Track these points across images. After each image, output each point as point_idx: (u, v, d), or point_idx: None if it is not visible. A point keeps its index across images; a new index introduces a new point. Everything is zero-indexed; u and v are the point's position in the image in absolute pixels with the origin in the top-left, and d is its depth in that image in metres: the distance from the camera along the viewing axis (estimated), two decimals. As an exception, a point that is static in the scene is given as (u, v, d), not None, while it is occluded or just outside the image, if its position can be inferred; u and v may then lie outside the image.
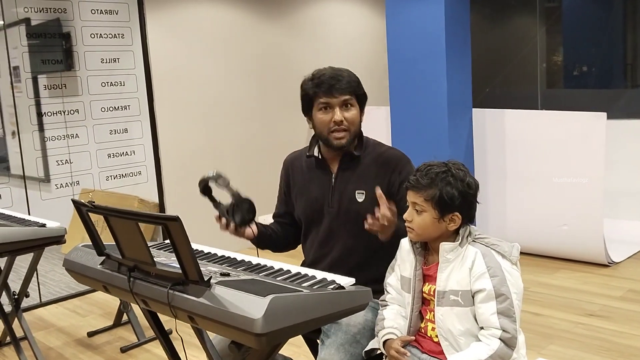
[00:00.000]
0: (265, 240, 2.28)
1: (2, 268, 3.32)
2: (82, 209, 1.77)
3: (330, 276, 1.72)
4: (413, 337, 1.86)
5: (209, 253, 2.04)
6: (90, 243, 1.87)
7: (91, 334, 3.83)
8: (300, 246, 2.39)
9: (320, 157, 2.23)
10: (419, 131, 4.64)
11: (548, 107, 6.39)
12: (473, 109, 4.84)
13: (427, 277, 1.86)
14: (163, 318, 1.91)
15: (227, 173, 2.08)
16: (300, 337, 2.19)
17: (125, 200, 4.66)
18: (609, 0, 6.75)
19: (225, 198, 2.15)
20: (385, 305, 1.95)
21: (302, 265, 2.27)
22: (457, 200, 1.76)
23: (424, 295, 1.86)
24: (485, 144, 4.86)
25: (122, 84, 4.53)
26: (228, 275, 1.68)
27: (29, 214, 3.89)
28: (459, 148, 4.68)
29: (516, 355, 1.73)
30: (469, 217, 1.81)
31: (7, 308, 3.42)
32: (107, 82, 4.47)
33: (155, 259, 1.65)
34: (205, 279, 1.54)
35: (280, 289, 1.53)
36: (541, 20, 6.83)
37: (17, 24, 4.18)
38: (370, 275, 2.04)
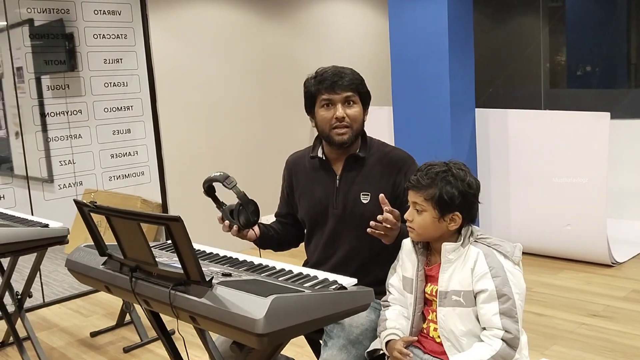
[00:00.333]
0: (267, 240, 2.27)
1: (5, 268, 3.33)
2: (84, 209, 1.77)
3: (332, 276, 1.72)
4: (415, 338, 1.86)
5: (211, 253, 2.04)
6: (93, 243, 1.88)
7: (94, 334, 3.84)
8: (301, 246, 2.39)
9: (324, 158, 2.22)
10: (422, 131, 4.63)
11: (551, 107, 6.38)
12: (476, 109, 4.83)
13: (429, 277, 1.86)
14: (165, 318, 1.91)
15: (229, 173, 2.08)
16: (302, 337, 2.19)
17: (128, 200, 4.67)
18: (613, 0, 6.74)
19: (228, 199, 2.15)
20: (388, 306, 1.95)
21: (305, 265, 2.27)
22: (458, 199, 1.76)
23: (426, 295, 1.85)
24: (488, 144, 4.85)
25: (125, 84, 4.54)
26: (230, 275, 1.68)
27: (32, 214, 3.91)
28: (461, 148, 4.68)
29: (518, 355, 1.73)
30: (470, 217, 1.81)
31: (10, 308, 3.42)
32: (110, 83, 4.48)
33: (157, 259, 1.65)
34: (207, 279, 1.53)
35: (282, 290, 1.53)
36: (544, 20, 6.81)
37: (21, 24, 4.19)
38: (374, 277, 2.04)
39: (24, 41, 4.20)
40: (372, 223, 1.91)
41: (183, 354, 1.96)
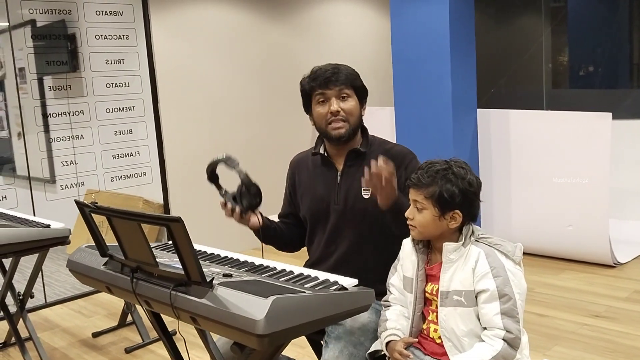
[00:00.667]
0: (270, 233, 2.26)
1: (7, 269, 3.34)
2: (85, 210, 1.78)
3: (333, 277, 1.72)
4: (416, 339, 1.86)
5: (212, 254, 2.05)
6: (94, 244, 1.88)
7: (96, 335, 3.84)
8: (303, 247, 2.39)
9: (325, 154, 2.23)
10: (424, 132, 4.63)
11: (553, 107, 6.37)
12: (478, 110, 4.83)
13: (430, 277, 1.85)
14: (167, 319, 1.91)
15: (232, 173, 2.08)
16: (304, 338, 2.19)
17: (130, 201, 4.67)
18: (615, 0, 6.73)
19: (230, 187, 2.15)
20: (388, 306, 1.95)
21: (306, 264, 2.27)
22: (458, 198, 1.76)
23: (427, 295, 1.85)
24: (490, 145, 4.84)
25: (127, 85, 4.54)
26: (230, 276, 1.68)
27: (34, 215, 3.91)
28: (463, 148, 4.68)
29: (519, 355, 1.73)
30: (470, 216, 1.81)
31: (12, 308, 3.42)
32: (112, 83, 4.49)
33: (157, 260, 1.65)
34: (208, 280, 1.54)
35: (283, 290, 1.53)
36: (546, 20, 6.80)
37: (23, 25, 4.20)
38: (376, 275, 2.03)
39: (26, 42, 4.20)
40: (366, 174, 1.88)
41: (184, 355, 1.96)
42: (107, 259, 1.86)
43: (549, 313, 3.74)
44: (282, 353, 1.75)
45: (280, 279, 1.72)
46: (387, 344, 1.86)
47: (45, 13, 4.20)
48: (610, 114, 4.24)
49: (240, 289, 1.51)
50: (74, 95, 4.41)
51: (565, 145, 4.48)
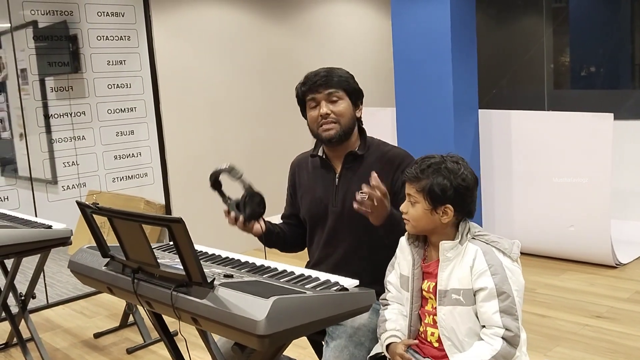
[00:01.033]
0: (273, 237, 2.28)
1: (9, 269, 3.34)
2: (87, 211, 1.78)
3: (333, 278, 1.72)
4: (416, 341, 1.85)
5: (213, 254, 2.05)
6: (95, 245, 1.88)
7: (97, 335, 3.84)
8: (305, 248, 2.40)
9: (324, 156, 2.24)
10: (425, 132, 4.63)
11: (555, 107, 6.37)
12: (479, 110, 4.83)
13: (426, 274, 1.85)
14: (168, 319, 1.92)
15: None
16: (305, 338, 2.20)
17: (132, 201, 4.68)
18: (617, 0, 6.72)
19: (233, 194, 2.15)
20: (386, 305, 1.94)
21: (307, 265, 2.28)
22: (449, 192, 1.75)
23: (423, 293, 1.85)
24: (491, 145, 4.84)
25: (129, 86, 4.55)
26: (231, 276, 1.68)
27: (36, 216, 3.92)
28: (465, 149, 4.67)
29: (518, 353, 1.71)
30: (464, 212, 1.80)
31: (14, 309, 3.43)
32: (114, 84, 4.49)
33: (159, 261, 1.65)
34: (209, 281, 1.54)
35: (284, 291, 1.53)
36: (548, 20, 6.80)
37: (25, 26, 4.21)
38: (375, 276, 2.04)
39: (28, 43, 4.21)
40: (357, 197, 1.92)
41: (185, 355, 1.96)
42: (108, 259, 1.86)
43: (550, 313, 3.74)
44: (283, 353, 1.76)
45: (281, 280, 1.72)
46: (387, 346, 1.86)
47: (47, 14, 4.21)
48: (611, 115, 4.24)
49: (241, 289, 1.51)
50: (76, 96, 4.41)
51: (567, 145, 4.48)
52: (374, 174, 1.92)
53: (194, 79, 5.22)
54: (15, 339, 3.54)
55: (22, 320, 3.40)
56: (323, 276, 1.74)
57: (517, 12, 7.16)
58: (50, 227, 3.05)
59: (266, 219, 2.22)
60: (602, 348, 3.25)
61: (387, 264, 2.01)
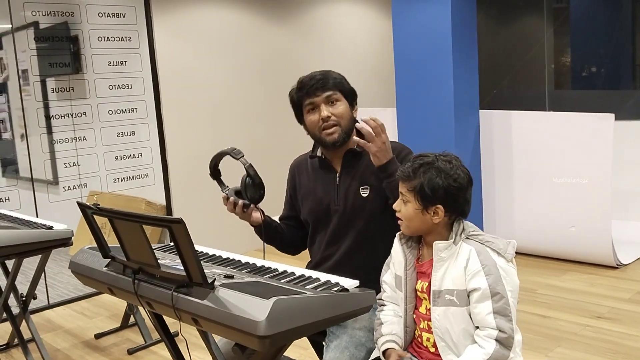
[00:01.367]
0: (271, 232, 2.28)
1: (10, 270, 3.34)
2: (87, 212, 1.78)
3: (334, 278, 1.72)
4: (408, 355, 1.84)
5: (214, 255, 2.05)
6: (96, 245, 1.88)
7: (98, 336, 3.85)
8: (304, 250, 2.40)
9: (323, 157, 2.25)
10: (426, 133, 4.63)
11: (556, 108, 6.37)
12: (480, 111, 4.82)
13: (420, 274, 1.84)
14: (169, 320, 1.92)
15: (234, 175, 2.09)
16: (306, 339, 2.20)
17: (133, 202, 4.68)
18: (618, 0, 6.72)
19: (232, 184, 2.15)
20: (382, 305, 1.94)
21: (308, 265, 2.28)
22: (439, 192, 1.73)
23: (418, 293, 1.84)
24: (492, 146, 4.84)
25: (130, 86, 4.55)
26: (232, 277, 1.68)
27: (37, 216, 3.92)
28: (465, 149, 4.67)
29: (512, 354, 1.69)
30: (456, 212, 1.78)
31: (15, 310, 3.43)
32: (115, 85, 4.50)
33: (159, 261, 1.65)
34: (209, 281, 1.54)
35: (284, 291, 1.53)
36: (549, 21, 6.80)
37: (26, 27, 4.21)
38: (377, 275, 2.04)
39: (29, 44, 4.22)
40: (357, 125, 2.01)
41: (186, 356, 1.96)
42: (109, 260, 1.86)
43: (551, 314, 3.74)
44: (284, 354, 1.76)
45: (282, 280, 1.72)
46: (384, 351, 1.85)
47: (48, 15, 4.22)
48: (612, 115, 4.24)
49: (242, 290, 1.51)
50: (77, 97, 4.42)
51: (568, 146, 4.48)
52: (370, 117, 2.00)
53: (194, 79, 5.23)
54: (16, 340, 3.54)
55: (23, 320, 3.41)
56: (323, 277, 1.74)
57: (517, 12, 7.15)
58: (51, 227, 3.05)
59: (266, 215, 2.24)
60: (603, 348, 3.25)
61: (389, 262, 2.01)
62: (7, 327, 3.61)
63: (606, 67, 6.84)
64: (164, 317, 1.93)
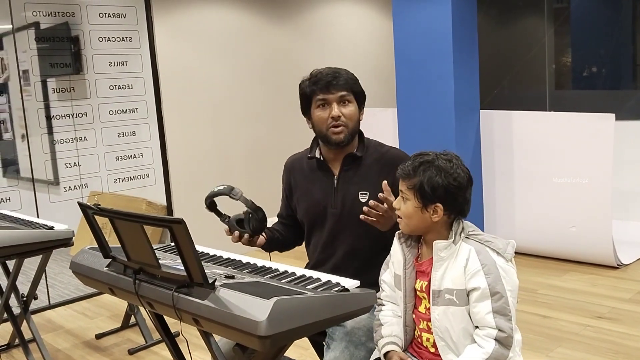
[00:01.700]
0: (274, 243, 2.30)
1: (10, 270, 3.34)
2: (88, 212, 1.78)
3: (335, 278, 1.72)
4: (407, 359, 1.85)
5: (215, 255, 2.05)
6: (97, 245, 1.88)
7: (99, 336, 3.85)
8: (305, 247, 2.40)
9: (321, 158, 2.23)
10: (426, 133, 4.63)
11: (556, 108, 6.37)
12: (480, 111, 4.82)
13: (419, 273, 1.84)
14: (169, 320, 1.92)
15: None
16: (306, 339, 2.20)
17: (133, 202, 4.68)
18: (618, 0, 6.72)
19: (229, 211, 2.15)
20: (381, 305, 1.94)
21: (306, 267, 2.28)
22: (439, 191, 1.73)
23: (417, 292, 1.84)
24: (492, 146, 4.84)
25: (130, 87, 4.56)
26: (233, 277, 1.68)
27: (38, 217, 3.92)
28: (466, 150, 4.67)
29: (512, 354, 1.69)
30: (455, 211, 1.78)
31: (16, 310, 3.44)
32: (115, 85, 4.50)
33: (160, 262, 1.65)
34: (210, 282, 1.54)
35: (285, 292, 1.53)
36: (549, 21, 6.80)
37: (26, 27, 4.21)
38: (375, 277, 2.04)
39: (30, 44, 4.22)
40: (364, 209, 1.95)
41: (187, 356, 1.96)
42: (109, 260, 1.86)
43: (552, 314, 3.73)
44: (284, 354, 1.76)
45: (282, 281, 1.72)
46: (385, 354, 1.84)
47: (48, 15, 4.22)
48: (613, 115, 4.24)
49: (243, 290, 1.51)
50: (78, 97, 4.42)
51: (568, 146, 4.48)
52: (386, 184, 1.93)
53: (195, 79, 5.23)
54: (17, 340, 3.54)
55: (24, 321, 3.41)
56: (324, 277, 1.74)
57: (518, 12, 7.15)
58: (52, 228, 3.05)
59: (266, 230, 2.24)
60: (604, 349, 3.25)
61: (386, 264, 2.01)
62: (8, 327, 3.61)
63: (607, 67, 6.84)
64: (165, 317, 1.93)
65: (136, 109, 4.59)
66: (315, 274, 1.78)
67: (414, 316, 1.86)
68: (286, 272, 1.82)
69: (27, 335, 3.42)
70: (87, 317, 4.22)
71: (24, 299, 3.42)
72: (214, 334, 1.77)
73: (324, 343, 2.08)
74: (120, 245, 1.74)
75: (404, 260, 1.85)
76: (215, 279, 1.57)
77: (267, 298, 1.43)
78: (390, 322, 1.88)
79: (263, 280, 1.69)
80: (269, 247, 2.26)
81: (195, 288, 1.56)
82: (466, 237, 1.77)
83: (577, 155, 4.44)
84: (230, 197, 2.05)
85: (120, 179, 4.58)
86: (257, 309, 1.41)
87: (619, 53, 6.73)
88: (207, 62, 5.31)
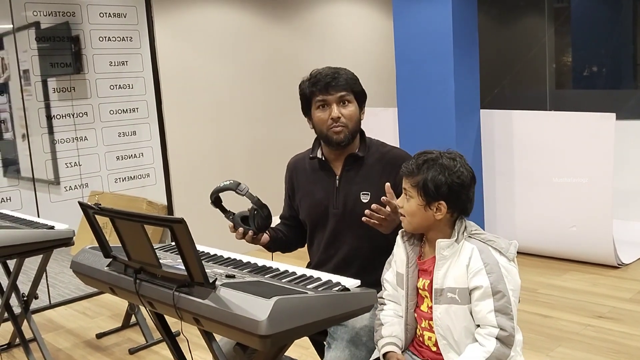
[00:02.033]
0: (277, 243, 2.30)
1: (11, 270, 3.35)
2: (89, 212, 1.78)
3: (335, 278, 1.73)
4: None
5: (215, 255, 2.05)
6: (98, 245, 1.88)
7: (100, 336, 3.85)
8: (305, 247, 2.39)
9: (323, 158, 2.23)
10: (427, 132, 4.63)
11: (557, 107, 6.36)
12: (481, 110, 4.82)
13: (421, 271, 1.84)
14: (170, 320, 1.92)
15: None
16: (307, 338, 2.20)
17: (134, 202, 4.68)
18: (618, 0, 6.71)
19: (233, 207, 2.15)
20: (382, 304, 1.94)
21: (307, 266, 2.28)
22: (443, 188, 1.74)
23: (419, 290, 1.84)
24: (493, 145, 4.84)
25: (131, 86, 4.55)
26: (233, 277, 1.68)
27: (39, 216, 3.92)
28: (466, 149, 4.67)
29: (513, 353, 1.69)
30: (458, 209, 1.79)
31: (17, 310, 3.43)
32: (116, 85, 4.50)
33: (161, 261, 1.66)
34: (210, 281, 1.54)
35: (285, 291, 1.54)
36: (550, 20, 6.80)
37: (27, 27, 4.21)
38: (376, 277, 2.04)
39: (30, 44, 4.22)
40: (366, 212, 1.95)
41: (187, 355, 1.96)
42: (110, 260, 1.86)
43: (552, 314, 3.73)
44: (285, 354, 1.76)
45: (283, 280, 1.72)
46: (384, 354, 1.84)
47: (49, 15, 4.22)
48: (613, 115, 4.24)
49: (243, 290, 1.51)
50: (78, 97, 4.42)
51: (569, 145, 4.48)
52: (389, 187, 1.94)
53: (196, 79, 5.23)
54: (17, 340, 3.55)
55: (25, 320, 3.41)
56: (325, 276, 1.74)
57: (518, 12, 7.15)
58: (52, 227, 3.05)
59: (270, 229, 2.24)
60: (605, 348, 3.25)
61: (388, 265, 2.01)
62: (8, 326, 3.61)
63: (607, 66, 6.83)
64: (166, 316, 1.93)
65: (136, 108, 4.59)
66: (315, 273, 1.78)
67: (415, 315, 1.86)
68: (287, 271, 1.82)
69: (28, 334, 3.42)
70: (87, 317, 4.22)
71: (25, 298, 3.42)
72: (214, 334, 1.77)
73: (324, 342, 2.08)
74: (120, 245, 1.74)
75: (406, 259, 1.85)
76: (216, 279, 1.57)
77: (267, 297, 1.43)
78: (391, 322, 1.88)
79: (264, 280, 1.69)
80: (272, 246, 2.26)
81: (195, 287, 1.56)
82: (469, 236, 1.78)
83: (577, 155, 4.44)
84: (236, 192, 2.05)
85: (121, 179, 4.58)
86: (257, 309, 1.41)
87: (619, 52, 6.72)
88: (207, 61, 5.31)
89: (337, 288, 1.65)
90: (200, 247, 1.95)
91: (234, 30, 5.49)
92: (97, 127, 4.46)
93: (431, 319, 1.79)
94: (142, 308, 3.11)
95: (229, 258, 2.00)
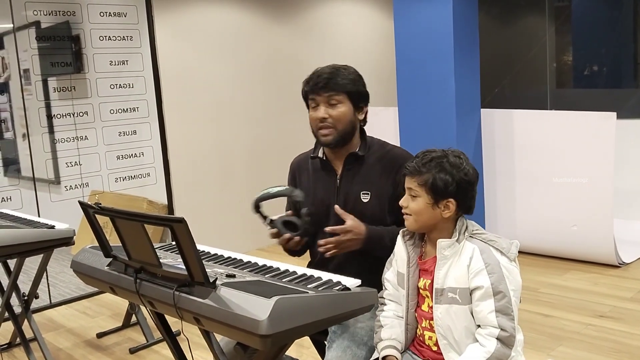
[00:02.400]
0: (304, 248, 2.29)
1: (11, 269, 3.35)
2: (89, 211, 1.78)
3: (336, 277, 1.72)
4: None
5: (216, 254, 2.05)
6: (98, 245, 1.88)
7: (100, 335, 3.85)
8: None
9: (324, 158, 2.23)
10: (427, 132, 4.63)
11: (558, 107, 6.36)
12: (481, 110, 4.82)
13: (422, 271, 1.84)
14: (170, 319, 1.92)
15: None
16: (307, 338, 2.19)
17: (134, 201, 4.68)
18: (619, -1, 6.71)
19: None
20: (382, 304, 1.93)
21: (308, 265, 2.27)
22: (452, 186, 1.74)
23: (420, 290, 1.84)
24: (494, 145, 4.84)
25: (131, 86, 4.55)
26: (234, 276, 1.68)
27: (39, 216, 3.92)
28: (467, 149, 4.67)
29: (514, 353, 1.69)
30: (464, 206, 1.79)
31: (17, 309, 3.43)
32: (116, 85, 4.49)
33: (161, 261, 1.65)
34: (211, 281, 1.54)
35: (286, 291, 1.53)
36: (550, 19, 6.79)
37: (27, 27, 4.21)
38: (377, 278, 2.03)
39: (31, 43, 4.22)
40: (320, 248, 2.00)
41: (188, 355, 1.96)
42: (110, 259, 1.86)
43: (553, 313, 3.73)
44: (285, 353, 1.76)
45: (284, 280, 1.72)
46: (384, 358, 1.84)
47: (49, 14, 4.21)
48: (614, 114, 4.23)
49: (244, 289, 1.51)
50: (78, 97, 4.42)
51: (569, 145, 4.47)
52: (337, 208, 2.01)
53: (196, 79, 5.23)
54: (18, 339, 3.55)
55: (25, 320, 3.41)
56: (325, 276, 1.74)
57: (519, 11, 7.15)
58: (53, 227, 3.05)
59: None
60: (606, 348, 3.24)
61: (389, 265, 2.01)
62: (9, 326, 3.61)
63: (608, 65, 6.83)
64: (166, 316, 1.93)
65: (137, 108, 4.59)
66: (316, 273, 1.78)
67: (416, 314, 1.86)
68: (287, 271, 1.81)
69: (28, 334, 3.42)
70: (88, 316, 4.22)
71: (25, 298, 3.41)
72: (215, 333, 1.77)
73: (325, 342, 2.08)
74: (121, 245, 1.74)
75: (407, 258, 1.85)
76: (216, 278, 1.57)
77: (268, 297, 1.43)
78: (390, 324, 1.88)
79: (264, 279, 1.69)
80: (302, 250, 2.26)
81: (196, 287, 1.56)
82: (470, 236, 1.78)
83: (578, 154, 4.43)
84: (292, 198, 2.04)
85: (121, 178, 4.58)
86: (258, 308, 1.41)
87: (620, 51, 6.72)
88: (207, 61, 5.31)
89: (337, 288, 1.65)
90: (200, 247, 1.95)
91: (234, 30, 5.48)
92: (98, 127, 4.46)
93: (432, 319, 1.79)
94: (143, 307, 3.11)
95: (230, 258, 2.00)
